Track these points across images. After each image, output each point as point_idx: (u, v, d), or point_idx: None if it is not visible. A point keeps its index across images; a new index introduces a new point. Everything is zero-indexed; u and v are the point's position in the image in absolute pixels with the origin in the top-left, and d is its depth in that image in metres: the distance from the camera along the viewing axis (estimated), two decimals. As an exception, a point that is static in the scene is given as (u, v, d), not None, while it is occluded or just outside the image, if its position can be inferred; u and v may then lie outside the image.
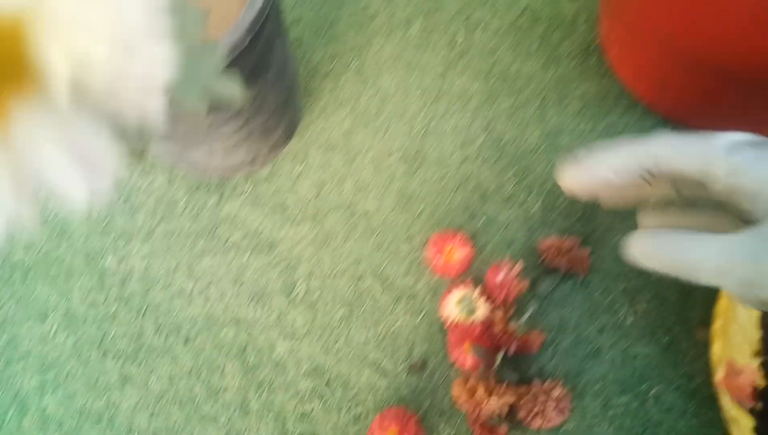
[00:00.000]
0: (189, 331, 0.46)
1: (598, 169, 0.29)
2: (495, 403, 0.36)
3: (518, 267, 0.41)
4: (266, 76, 0.44)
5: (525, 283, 0.41)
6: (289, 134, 0.53)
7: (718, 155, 0.26)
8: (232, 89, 0.24)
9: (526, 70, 0.53)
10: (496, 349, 0.39)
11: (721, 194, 0.27)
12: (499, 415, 0.37)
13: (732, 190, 0.26)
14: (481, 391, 0.37)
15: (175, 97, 0.23)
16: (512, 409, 0.38)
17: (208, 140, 0.46)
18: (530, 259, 0.45)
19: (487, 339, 0.39)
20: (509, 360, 0.39)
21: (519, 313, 0.41)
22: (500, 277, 0.40)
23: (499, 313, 0.40)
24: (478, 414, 0.37)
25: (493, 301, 0.40)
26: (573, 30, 0.54)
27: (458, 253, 0.42)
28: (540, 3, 0.56)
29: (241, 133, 0.46)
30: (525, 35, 0.55)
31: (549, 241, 0.43)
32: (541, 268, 0.44)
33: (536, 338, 0.39)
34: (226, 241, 0.49)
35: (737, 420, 0.35)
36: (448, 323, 0.41)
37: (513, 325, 0.40)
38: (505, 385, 0.38)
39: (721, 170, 0.26)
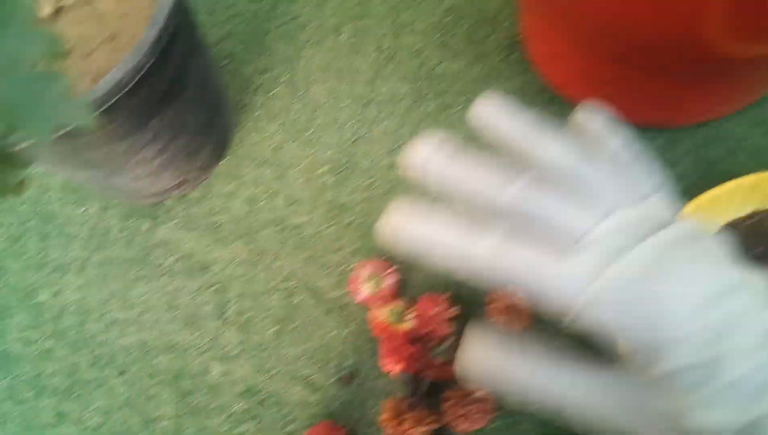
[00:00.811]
0: (124, 361, 0.46)
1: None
2: (419, 432, 0.36)
3: (453, 311, 0.40)
4: (182, 98, 0.44)
5: (452, 328, 0.40)
6: (219, 153, 0.53)
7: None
8: (83, 117, 0.24)
9: (452, 69, 0.53)
10: (421, 378, 0.39)
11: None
12: None
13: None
14: (409, 422, 0.36)
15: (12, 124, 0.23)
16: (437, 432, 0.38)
17: (128, 166, 0.45)
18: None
19: (413, 366, 0.39)
20: (434, 386, 0.39)
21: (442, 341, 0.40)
22: (433, 311, 0.40)
23: (425, 345, 0.39)
24: None
25: (421, 322, 0.40)
26: (496, 26, 0.54)
27: (385, 281, 0.42)
28: (464, 1, 0.56)
29: (164, 157, 0.46)
30: (450, 34, 0.55)
31: (500, 296, 0.40)
32: (475, 314, 0.42)
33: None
34: (160, 266, 0.49)
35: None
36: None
37: (437, 354, 0.39)
38: (428, 412, 0.38)
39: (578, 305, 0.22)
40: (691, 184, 0.44)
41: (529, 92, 0.50)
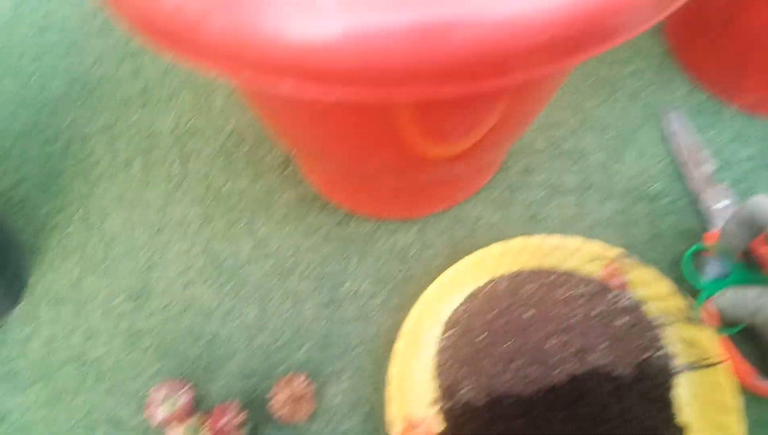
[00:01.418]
0: None
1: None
2: None
3: (241, 417, 0.43)
4: (-47, 257, 0.45)
5: (241, 433, 0.42)
6: (13, 299, 0.53)
7: None
8: None
9: (236, 188, 0.58)
10: None
11: None
12: None
13: None
14: None
15: None
16: None
17: None
18: (246, 379, 0.48)
19: None
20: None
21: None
22: (223, 421, 0.42)
23: None
24: None
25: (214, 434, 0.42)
26: (272, 145, 0.60)
27: (180, 400, 0.44)
28: (244, 124, 0.62)
29: (-57, 316, 0.46)
30: (233, 156, 0.60)
31: (279, 389, 0.44)
32: (265, 413, 0.45)
33: None
34: (-48, 427, 0.48)
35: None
36: None
37: None
38: None
39: None
40: (443, 261, 0.51)
41: (304, 201, 0.56)
